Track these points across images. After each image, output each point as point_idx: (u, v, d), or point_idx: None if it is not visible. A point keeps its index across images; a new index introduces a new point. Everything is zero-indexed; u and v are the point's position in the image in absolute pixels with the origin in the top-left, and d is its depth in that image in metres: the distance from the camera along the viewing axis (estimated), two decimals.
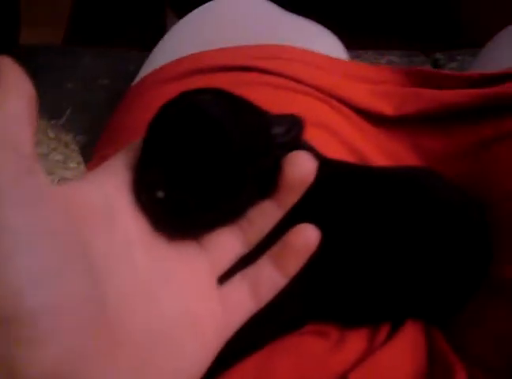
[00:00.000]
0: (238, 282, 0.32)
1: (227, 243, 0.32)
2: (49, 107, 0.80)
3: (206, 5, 0.74)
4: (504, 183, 0.49)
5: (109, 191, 0.28)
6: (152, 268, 0.28)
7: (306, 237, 0.31)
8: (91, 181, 0.28)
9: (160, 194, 0.28)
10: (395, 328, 0.47)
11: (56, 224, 0.21)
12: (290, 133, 0.32)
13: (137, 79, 0.68)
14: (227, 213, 0.31)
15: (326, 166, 0.42)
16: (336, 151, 0.52)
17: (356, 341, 0.45)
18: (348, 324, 0.46)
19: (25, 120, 0.22)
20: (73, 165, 0.65)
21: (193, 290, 0.30)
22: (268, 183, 0.31)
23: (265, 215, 0.32)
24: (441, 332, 0.49)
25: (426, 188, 0.47)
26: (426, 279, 0.45)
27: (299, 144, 0.33)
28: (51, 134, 0.64)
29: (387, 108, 0.58)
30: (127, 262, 0.27)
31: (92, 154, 0.67)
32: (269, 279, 0.32)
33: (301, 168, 0.30)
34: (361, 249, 0.43)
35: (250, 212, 0.32)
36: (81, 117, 0.80)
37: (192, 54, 0.63)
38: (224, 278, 0.32)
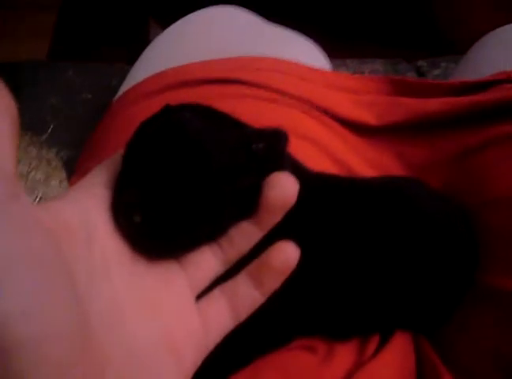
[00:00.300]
0: (216, 297, 0.32)
1: (206, 261, 0.32)
2: (32, 123, 0.80)
3: (188, 16, 0.74)
4: (489, 190, 0.49)
5: (87, 209, 0.27)
6: (129, 288, 0.28)
7: (286, 255, 0.31)
8: (69, 200, 0.27)
9: (137, 218, 0.28)
10: (384, 341, 0.47)
11: (41, 251, 0.21)
12: (272, 149, 0.31)
13: (120, 93, 0.67)
14: (206, 234, 0.31)
15: (310, 179, 0.42)
16: (320, 163, 0.52)
17: (345, 355, 0.45)
18: (335, 338, 0.46)
19: (8, 140, 0.21)
20: (54, 183, 0.65)
21: (172, 310, 0.30)
22: (249, 201, 0.31)
23: (244, 235, 0.32)
24: (429, 343, 0.49)
25: (410, 199, 0.47)
26: (412, 290, 0.45)
27: (282, 159, 0.33)
28: (33, 152, 0.64)
29: (370, 118, 0.59)
30: (106, 282, 0.26)
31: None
32: (246, 296, 0.32)
33: (282, 190, 0.30)
34: (346, 262, 0.42)
35: (230, 231, 0.32)
36: (65, 132, 0.79)
37: (172, 68, 0.63)
38: (202, 295, 0.32)
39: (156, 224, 0.28)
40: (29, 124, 0.78)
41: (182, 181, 0.28)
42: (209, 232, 0.31)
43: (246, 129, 0.33)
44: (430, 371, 0.45)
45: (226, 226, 0.32)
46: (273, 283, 0.31)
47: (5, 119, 0.21)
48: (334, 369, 0.43)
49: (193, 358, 0.29)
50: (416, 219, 0.45)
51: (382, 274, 0.43)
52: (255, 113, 0.55)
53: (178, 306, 0.30)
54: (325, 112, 0.59)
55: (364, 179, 0.50)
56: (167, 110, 0.32)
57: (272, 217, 0.31)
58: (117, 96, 0.67)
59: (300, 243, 0.32)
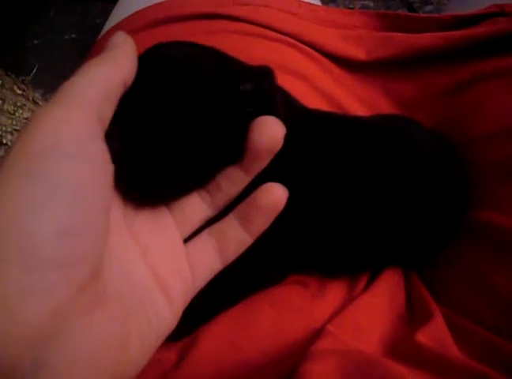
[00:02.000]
0: (204, 240, 0.32)
1: (195, 206, 0.32)
2: (16, 64, 0.78)
3: None
4: (481, 125, 0.49)
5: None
6: (120, 228, 0.28)
7: (274, 196, 0.31)
8: None
9: (125, 171, 0.28)
10: (374, 276, 0.48)
11: (90, 186, 0.22)
12: (260, 88, 0.30)
13: (104, 31, 0.65)
14: (194, 181, 0.31)
15: (304, 115, 0.41)
16: (309, 98, 0.52)
17: (336, 290, 0.46)
18: (327, 274, 0.47)
19: (114, 100, 0.25)
20: None
21: (160, 252, 0.30)
22: (237, 145, 0.30)
23: (232, 181, 0.32)
24: (418, 277, 0.50)
25: (405, 136, 0.47)
26: (403, 226, 0.45)
27: (271, 98, 0.32)
28: (18, 91, 0.63)
29: (360, 53, 0.58)
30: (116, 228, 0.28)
31: None
32: (235, 237, 0.32)
33: (269, 135, 0.29)
34: (339, 199, 0.42)
35: (218, 177, 0.32)
36: (50, 73, 0.78)
37: (158, 3, 0.61)
38: (191, 238, 0.33)
39: (142, 175, 0.28)
40: (13, 65, 0.76)
41: (168, 126, 0.28)
42: (197, 178, 0.31)
43: (232, 68, 0.32)
44: (419, 303, 0.46)
45: (214, 171, 0.31)
46: (262, 223, 0.32)
47: (119, 83, 0.25)
48: (325, 303, 0.44)
49: (181, 297, 0.30)
50: (409, 157, 0.45)
51: (373, 209, 0.43)
52: (244, 49, 0.54)
53: (166, 248, 0.31)
54: (314, 47, 0.58)
55: (358, 117, 0.49)
56: (152, 49, 0.31)
57: (258, 162, 0.31)
58: (101, 34, 0.66)
59: (293, 179, 0.33)
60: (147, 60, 0.29)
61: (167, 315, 0.29)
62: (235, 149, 0.30)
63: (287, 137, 0.30)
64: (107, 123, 0.25)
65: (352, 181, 0.42)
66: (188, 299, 0.31)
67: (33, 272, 0.19)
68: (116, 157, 0.26)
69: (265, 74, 0.31)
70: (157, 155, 0.28)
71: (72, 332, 0.21)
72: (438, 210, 0.46)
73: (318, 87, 0.55)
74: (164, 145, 0.28)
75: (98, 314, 0.23)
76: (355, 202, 0.43)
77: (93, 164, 0.22)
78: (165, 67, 0.29)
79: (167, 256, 0.30)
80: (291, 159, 0.38)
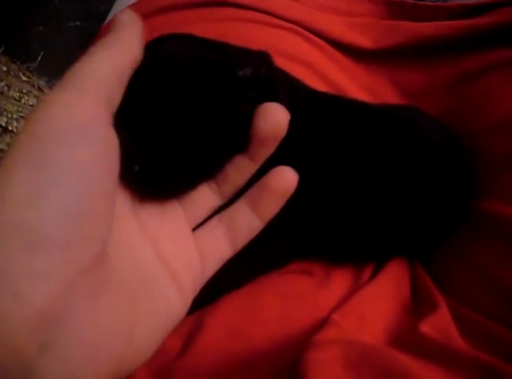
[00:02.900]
0: (214, 227, 0.32)
1: (203, 196, 0.32)
2: (21, 52, 0.78)
3: None
4: (489, 115, 0.48)
5: None
6: (129, 221, 0.28)
7: (284, 180, 0.30)
8: None
9: (136, 168, 0.28)
10: (380, 266, 0.48)
11: (93, 165, 0.22)
12: (258, 73, 0.30)
13: (108, 18, 0.65)
14: (204, 173, 0.31)
15: (308, 96, 0.41)
16: (314, 86, 0.51)
17: (341, 279, 0.46)
18: (332, 260, 0.47)
19: (123, 82, 0.24)
20: None
21: (169, 240, 0.30)
22: (242, 132, 0.30)
23: (239, 170, 0.31)
24: (423, 268, 0.50)
25: (412, 124, 0.46)
26: (409, 215, 0.45)
27: (271, 82, 0.32)
28: (24, 78, 0.62)
29: (365, 41, 0.57)
30: (121, 211, 0.27)
31: None
32: (245, 222, 0.32)
33: (273, 121, 0.29)
34: (346, 185, 0.42)
35: (226, 166, 0.32)
36: (54, 61, 0.78)
37: None
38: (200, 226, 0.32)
39: (154, 170, 0.28)
40: (18, 52, 0.76)
41: (173, 119, 0.28)
42: (206, 169, 0.31)
43: (230, 55, 0.31)
44: (424, 294, 0.46)
45: (221, 160, 0.31)
46: (273, 207, 0.31)
47: (127, 63, 0.24)
48: (331, 292, 0.44)
49: (191, 286, 0.30)
50: (416, 144, 0.45)
51: (378, 195, 0.43)
52: (249, 36, 0.53)
53: (175, 237, 0.31)
54: (319, 35, 0.57)
55: (365, 102, 0.49)
56: (153, 44, 0.31)
57: (264, 149, 0.30)
58: (106, 21, 0.65)
59: (299, 162, 0.32)
60: (148, 55, 0.29)
61: (176, 304, 0.29)
62: (241, 136, 0.30)
63: (292, 120, 0.29)
64: (116, 106, 0.24)
65: (357, 166, 0.42)
66: (198, 288, 0.31)
67: (36, 253, 0.19)
68: (123, 152, 0.26)
69: (263, 58, 0.31)
70: (164, 148, 0.28)
71: (77, 317, 0.21)
72: (444, 199, 0.45)
73: (323, 75, 0.55)
74: (170, 138, 0.28)
75: (104, 300, 0.23)
76: (360, 187, 0.42)
77: (100, 149, 0.22)
78: (167, 62, 0.29)
79: (176, 245, 0.30)
80: (297, 142, 0.37)
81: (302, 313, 0.42)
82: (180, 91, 0.28)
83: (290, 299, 0.43)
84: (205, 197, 0.32)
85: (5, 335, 0.18)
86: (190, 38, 0.33)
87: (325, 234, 0.44)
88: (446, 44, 0.54)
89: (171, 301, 0.28)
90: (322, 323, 0.39)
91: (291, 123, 0.30)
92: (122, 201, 0.28)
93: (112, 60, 0.24)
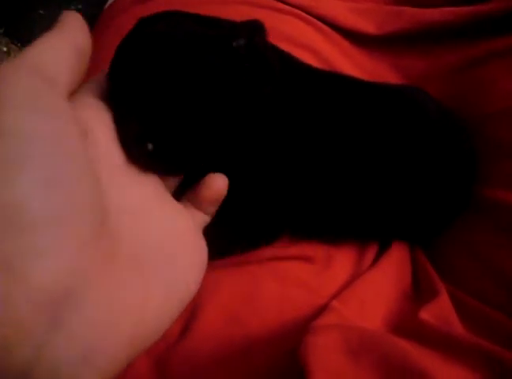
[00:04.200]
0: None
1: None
2: (20, 34, 0.77)
3: None
4: (492, 102, 0.48)
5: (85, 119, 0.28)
6: (133, 192, 0.29)
7: (213, 189, 0.33)
8: None
9: (150, 146, 0.28)
10: (381, 253, 0.48)
11: (67, 136, 0.22)
12: (252, 42, 0.31)
13: (110, 2, 0.65)
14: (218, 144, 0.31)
15: (303, 71, 0.40)
16: None
17: (342, 266, 0.46)
18: (331, 241, 0.47)
19: (66, 62, 0.25)
20: None
21: (170, 209, 0.31)
22: (241, 100, 0.31)
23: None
24: (425, 255, 0.50)
25: (415, 102, 0.46)
26: (409, 196, 0.44)
27: (264, 49, 0.32)
28: None
29: (369, 27, 0.57)
30: (116, 183, 0.27)
31: None
32: (196, 214, 0.34)
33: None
34: (346, 165, 0.41)
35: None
36: None
37: None
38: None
39: (168, 148, 0.29)
40: (18, 35, 0.76)
41: (181, 98, 0.28)
42: (216, 148, 0.31)
43: (223, 28, 0.32)
44: (425, 281, 0.46)
45: (228, 132, 0.32)
46: (211, 208, 0.34)
47: (70, 46, 0.25)
48: (331, 279, 0.44)
49: (202, 258, 0.31)
50: (417, 122, 0.44)
51: (378, 175, 0.42)
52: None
53: (174, 206, 0.32)
54: (323, 20, 0.57)
55: (364, 80, 0.48)
56: (141, 24, 0.31)
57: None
58: (107, 4, 0.65)
59: (298, 135, 0.34)
60: (141, 38, 0.30)
61: (189, 279, 0.29)
62: (241, 105, 0.31)
63: (288, 95, 0.31)
64: (62, 85, 0.24)
65: (356, 143, 0.41)
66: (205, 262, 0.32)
67: (28, 231, 0.19)
68: (134, 130, 0.27)
69: (255, 28, 0.31)
70: (178, 127, 0.29)
71: (87, 293, 0.21)
72: (445, 180, 0.45)
73: (325, 60, 0.55)
74: (182, 117, 0.28)
75: (113, 275, 0.23)
76: (358, 164, 0.41)
77: (54, 115, 0.22)
78: (163, 43, 0.29)
79: (177, 214, 0.31)
80: (294, 118, 0.38)
81: (301, 300, 0.42)
82: (184, 69, 0.28)
83: (289, 286, 0.43)
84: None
85: (9, 314, 0.18)
86: (181, 15, 0.33)
87: (324, 211, 0.43)
88: (450, 30, 0.54)
89: (183, 275, 0.28)
90: (322, 310, 0.39)
91: (287, 99, 0.30)
92: (125, 171, 0.28)
93: (53, 45, 0.25)
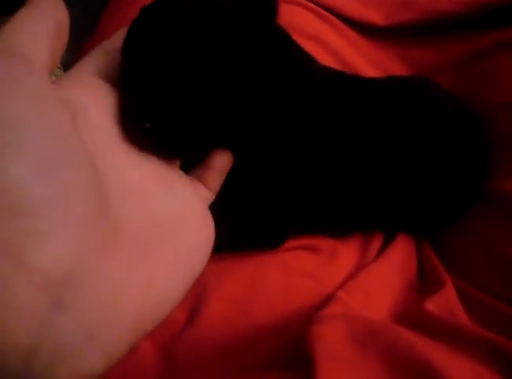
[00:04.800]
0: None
1: None
2: None
3: None
4: (502, 93, 0.48)
5: (78, 95, 0.27)
6: (132, 169, 0.28)
7: (220, 163, 0.34)
8: (61, 87, 0.27)
9: (147, 125, 0.27)
10: (386, 243, 0.48)
11: (56, 118, 0.21)
12: (265, 15, 0.30)
13: None
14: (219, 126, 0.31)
15: (320, 74, 0.40)
16: (322, 60, 0.51)
17: (347, 256, 0.46)
18: (338, 233, 0.47)
19: (44, 39, 0.23)
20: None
21: (173, 186, 0.30)
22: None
23: None
24: (431, 247, 0.50)
25: (428, 94, 0.45)
26: (422, 187, 0.44)
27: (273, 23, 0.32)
28: None
29: (377, 18, 0.56)
30: (113, 162, 0.27)
31: None
32: (201, 191, 0.33)
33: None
34: (358, 157, 0.41)
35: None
36: None
37: None
38: None
39: (165, 128, 0.28)
40: None
41: (186, 77, 0.27)
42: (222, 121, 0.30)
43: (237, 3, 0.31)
44: (430, 273, 0.46)
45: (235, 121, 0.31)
46: (215, 183, 0.34)
47: (47, 23, 0.24)
48: (337, 269, 0.44)
49: (206, 229, 0.30)
50: (430, 114, 0.43)
51: (392, 165, 0.42)
52: None
53: (177, 184, 0.31)
54: (330, 10, 0.57)
55: (374, 77, 0.48)
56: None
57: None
58: None
59: (309, 130, 0.34)
60: (154, 10, 0.29)
61: (200, 248, 0.29)
62: (248, 80, 0.30)
63: (297, 92, 0.31)
64: (41, 66, 0.23)
65: (369, 133, 0.41)
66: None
67: (26, 215, 0.19)
68: (130, 107, 0.26)
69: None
70: (178, 104, 0.28)
71: (90, 274, 0.21)
72: (460, 172, 0.44)
73: (334, 51, 0.55)
74: (184, 94, 0.28)
75: (117, 254, 0.22)
76: (373, 154, 0.41)
77: (39, 99, 0.21)
78: (172, 14, 0.28)
79: (184, 186, 0.31)
80: (307, 112, 0.38)
81: (307, 291, 0.42)
82: (190, 41, 0.27)
83: (295, 276, 0.43)
84: None
85: (10, 297, 0.18)
86: None
87: (334, 205, 0.43)
88: (458, 21, 0.53)
89: (188, 256, 0.28)
90: (327, 300, 0.39)
91: (298, 96, 0.30)
92: (122, 149, 0.28)
93: (32, 22, 0.24)
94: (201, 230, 0.30)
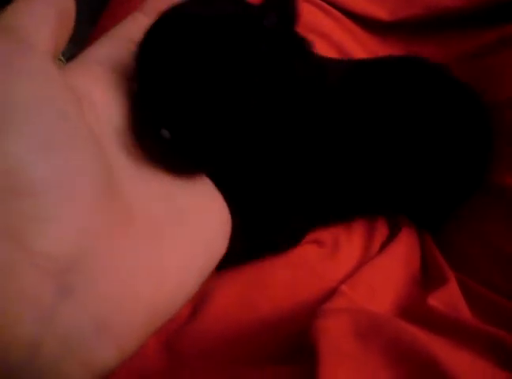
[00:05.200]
0: None
1: None
2: None
3: None
4: (505, 89, 0.48)
5: (84, 84, 0.26)
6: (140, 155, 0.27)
7: None
8: (67, 75, 0.26)
9: (167, 134, 0.25)
10: (390, 238, 0.48)
11: (60, 98, 0.21)
12: (283, 18, 0.29)
13: None
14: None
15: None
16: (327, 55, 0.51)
17: (351, 250, 0.46)
18: (343, 219, 0.47)
19: (46, 25, 0.23)
20: None
21: None
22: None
23: None
24: (434, 243, 0.50)
25: (437, 69, 0.46)
26: (428, 173, 0.44)
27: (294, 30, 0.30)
28: None
29: (382, 13, 0.56)
30: (124, 147, 0.26)
31: None
32: None
33: None
34: (368, 144, 0.41)
35: None
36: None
37: None
38: None
39: (186, 139, 0.26)
40: None
41: (206, 86, 0.26)
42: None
43: (249, 5, 0.30)
44: (434, 268, 0.46)
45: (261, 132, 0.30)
46: None
47: (50, 10, 0.23)
48: (341, 263, 0.44)
49: (222, 218, 0.29)
50: (442, 101, 0.44)
51: (398, 152, 0.42)
52: None
53: None
54: (334, 5, 0.57)
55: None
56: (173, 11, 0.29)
57: None
58: None
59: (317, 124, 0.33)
60: (171, 19, 0.28)
61: (218, 233, 0.28)
62: (272, 91, 0.29)
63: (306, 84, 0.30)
64: (41, 47, 0.22)
65: (382, 119, 0.41)
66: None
67: (28, 197, 0.18)
68: (149, 113, 0.25)
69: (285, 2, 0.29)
70: (200, 114, 0.26)
71: (97, 259, 0.20)
72: (462, 154, 0.45)
73: (337, 46, 0.55)
74: (207, 102, 0.26)
75: (128, 239, 0.22)
76: (383, 141, 0.42)
77: (43, 78, 0.21)
78: (192, 23, 0.27)
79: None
80: (321, 104, 0.37)
81: (311, 285, 0.42)
82: (212, 52, 0.26)
83: (300, 270, 0.43)
84: None
85: (12, 283, 0.18)
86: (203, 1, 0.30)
87: (346, 191, 0.43)
88: (462, 17, 0.54)
89: (210, 238, 0.27)
90: (331, 294, 0.39)
91: (304, 88, 0.30)
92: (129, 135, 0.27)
93: (37, 7, 0.23)
94: (218, 223, 0.28)
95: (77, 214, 0.19)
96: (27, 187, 0.18)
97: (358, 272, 0.43)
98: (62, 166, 0.19)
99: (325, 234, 0.46)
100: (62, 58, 0.77)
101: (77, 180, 0.20)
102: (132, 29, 0.30)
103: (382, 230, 0.48)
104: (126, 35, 0.29)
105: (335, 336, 0.30)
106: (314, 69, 0.34)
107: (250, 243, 0.40)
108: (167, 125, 0.26)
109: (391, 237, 0.48)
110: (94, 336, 0.19)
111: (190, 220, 0.26)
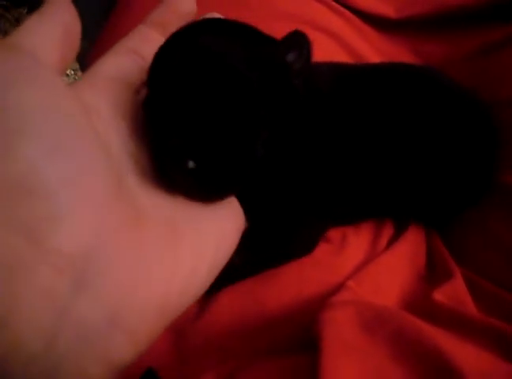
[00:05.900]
0: None
1: None
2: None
3: None
4: (509, 87, 0.48)
5: (91, 103, 0.26)
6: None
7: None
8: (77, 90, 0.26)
9: (191, 164, 0.25)
10: (397, 235, 0.48)
11: (67, 105, 0.21)
12: (303, 56, 0.29)
13: None
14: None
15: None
16: (336, 54, 0.51)
17: (358, 246, 0.46)
18: (352, 220, 0.47)
19: (52, 42, 0.23)
20: (68, 72, 0.63)
21: None
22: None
23: None
24: (440, 239, 0.50)
25: (439, 80, 0.46)
26: (434, 172, 0.45)
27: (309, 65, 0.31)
28: None
29: (390, 10, 0.57)
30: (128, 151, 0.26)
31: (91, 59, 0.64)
32: None
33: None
34: (375, 143, 0.42)
35: None
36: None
37: None
38: None
39: (211, 168, 0.26)
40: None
41: (229, 116, 0.26)
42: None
43: (272, 44, 0.30)
44: (439, 264, 0.46)
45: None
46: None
47: (57, 28, 0.24)
48: (347, 259, 0.45)
49: (235, 216, 0.29)
50: (448, 103, 0.44)
51: (404, 156, 0.43)
52: (273, 4, 0.53)
53: None
54: (343, 3, 0.57)
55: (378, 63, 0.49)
56: (190, 33, 0.28)
57: None
58: None
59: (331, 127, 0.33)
60: (192, 52, 0.27)
61: (230, 228, 0.28)
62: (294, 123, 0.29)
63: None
64: (49, 63, 0.23)
65: (387, 123, 0.42)
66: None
67: (40, 197, 0.19)
68: (171, 143, 0.25)
69: (303, 40, 0.30)
70: (228, 150, 0.26)
71: (111, 253, 0.20)
72: (471, 158, 0.45)
73: (345, 44, 0.55)
74: (232, 138, 0.26)
75: (141, 235, 0.22)
76: (390, 144, 0.42)
77: (52, 90, 0.21)
78: (210, 58, 0.26)
79: None
80: (342, 112, 0.39)
81: (318, 280, 0.42)
82: (232, 88, 0.26)
83: (306, 266, 0.43)
84: None
85: (28, 279, 0.18)
86: (223, 25, 0.30)
87: (351, 194, 0.44)
88: (469, 15, 0.54)
89: (221, 236, 0.27)
90: (337, 288, 0.40)
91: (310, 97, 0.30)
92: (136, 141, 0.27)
93: (44, 27, 0.24)
94: (231, 220, 0.28)
95: (89, 212, 0.20)
96: (41, 188, 0.19)
97: (364, 268, 0.43)
98: (72, 167, 0.20)
99: (333, 231, 0.46)
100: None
101: (88, 180, 0.20)
102: (137, 43, 0.30)
103: (388, 227, 0.49)
104: (131, 49, 0.30)
105: (340, 327, 0.30)
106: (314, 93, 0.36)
107: (261, 254, 0.41)
108: (194, 156, 0.25)
109: (398, 234, 0.48)
110: (107, 327, 0.20)
111: (203, 219, 0.26)
